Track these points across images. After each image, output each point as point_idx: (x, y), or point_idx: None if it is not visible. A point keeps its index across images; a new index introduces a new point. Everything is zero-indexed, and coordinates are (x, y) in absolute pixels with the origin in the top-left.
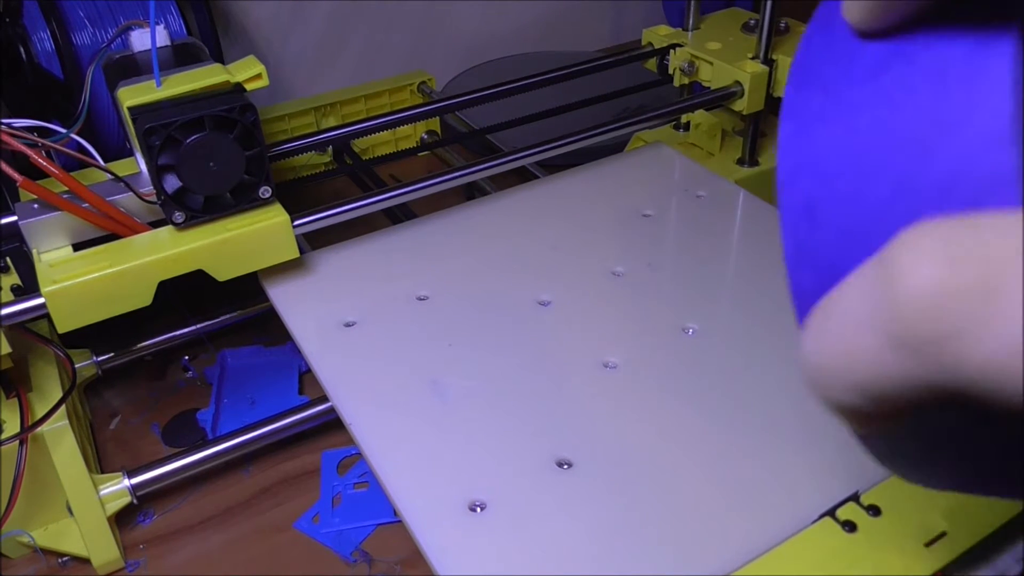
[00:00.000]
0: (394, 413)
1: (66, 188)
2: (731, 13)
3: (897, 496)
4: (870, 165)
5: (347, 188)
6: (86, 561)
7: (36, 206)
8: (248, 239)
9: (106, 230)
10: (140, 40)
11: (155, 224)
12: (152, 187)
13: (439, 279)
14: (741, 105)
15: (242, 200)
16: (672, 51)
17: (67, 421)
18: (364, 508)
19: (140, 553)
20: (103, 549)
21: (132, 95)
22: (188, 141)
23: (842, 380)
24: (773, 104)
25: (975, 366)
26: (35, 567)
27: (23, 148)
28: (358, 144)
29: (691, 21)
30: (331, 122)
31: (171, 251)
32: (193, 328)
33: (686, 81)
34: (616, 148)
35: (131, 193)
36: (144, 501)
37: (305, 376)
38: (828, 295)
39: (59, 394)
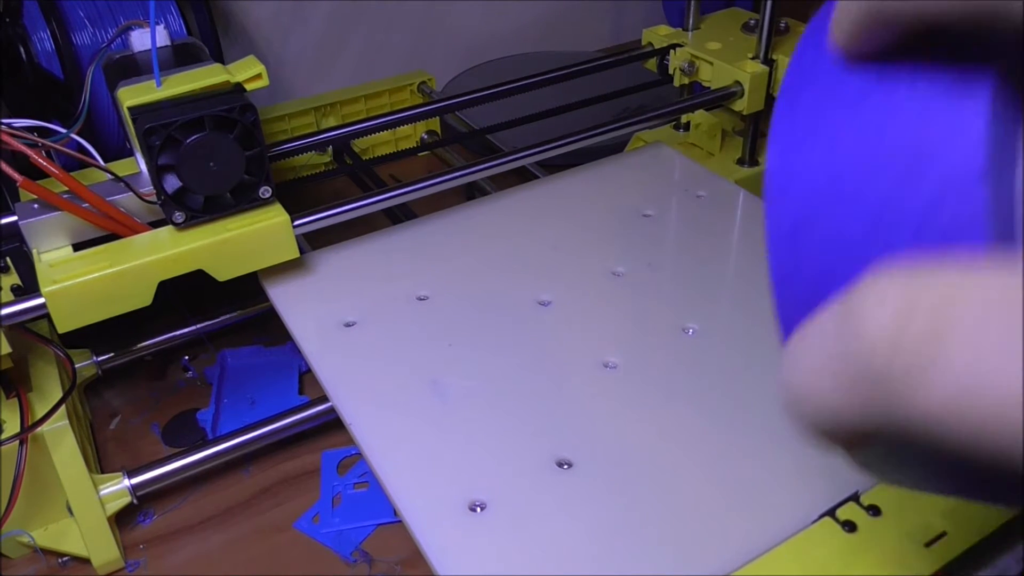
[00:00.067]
0: (394, 413)
1: (66, 188)
2: (731, 13)
3: (897, 496)
4: (850, 194)
5: (347, 188)
6: (86, 561)
7: (36, 206)
8: (248, 239)
9: (106, 230)
10: (140, 40)
11: (155, 224)
12: (152, 187)
13: (439, 279)
14: (741, 105)
15: (242, 200)
16: (672, 51)
17: (67, 421)
18: (364, 508)
19: (140, 553)
20: (103, 549)
21: (132, 95)
22: (188, 141)
23: (811, 408)
24: (773, 104)
25: (919, 411)
26: (35, 567)
27: (23, 148)
28: (358, 144)
29: (691, 21)
30: (331, 122)
31: (171, 251)
32: (193, 328)
33: (686, 81)
34: (616, 148)
35: (131, 193)
36: (144, 501)
37: (305, 376)
38: (803, 325)
39: (59, 394)
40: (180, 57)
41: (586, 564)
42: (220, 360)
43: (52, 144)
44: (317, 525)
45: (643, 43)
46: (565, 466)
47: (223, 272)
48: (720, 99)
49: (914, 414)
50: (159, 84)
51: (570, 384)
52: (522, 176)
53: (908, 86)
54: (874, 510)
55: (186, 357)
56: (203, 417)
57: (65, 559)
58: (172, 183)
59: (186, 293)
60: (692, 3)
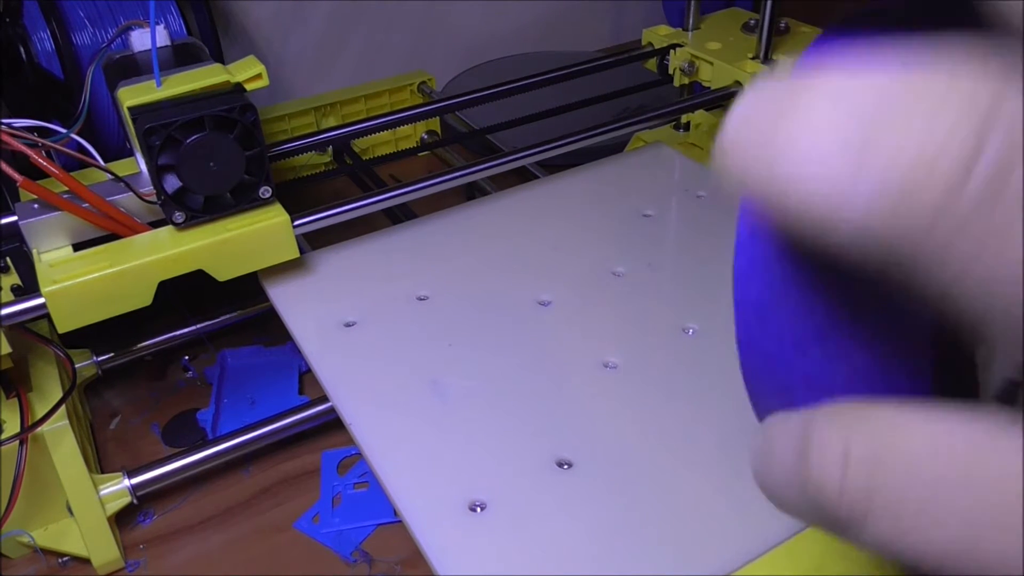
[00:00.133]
0: (394, 413)
1: (66, 188)
2: (731, 13)
3: None
4: (808, 300)
5: (347, 188)
6: (86, 561)
7: (36, 206)
8: (248, 239)
9: (106, 230)
10: (140, 40)
11: (155, 224)
12: (152, 187)
13: (439, 279)
14: None
15: (242, 200)
16: (672, 51)
17: (67, 421)
18: (364, 508)
19: (140, 553)
20: (103, 549)
21: (132, 95)
22: (188, 141)
23: (775, 501)
24: None
25: (867, 544)
26: (35, 567)
27: (23, 148)
28: (358, 144)
29: (691, 21)
30: (331, 122)
31: (171, 251)
32: (193, 328)
33: (686, 81)
34: (616, 148)
35: (131, 193)
36: (144, 501)
37: (305, 376)
38: (769, 428)
39: (59, 394)
40: (180, 57)
41: (586, 564)
42: (220, 360)
43: (52, 144)
44: (317, 525)
45: (643, 43)
46: (565, 466)
47: (223, 272)
48: (720, 99)
49: (863, 543)
50: (159, 84)
51: (570, 384)
52: (522, 176)
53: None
54: None
55: (186, 357)
56: (203, 417)
57: (65, 559)
58: (172, 183)
59: (186, 293)
60: (692, 3)
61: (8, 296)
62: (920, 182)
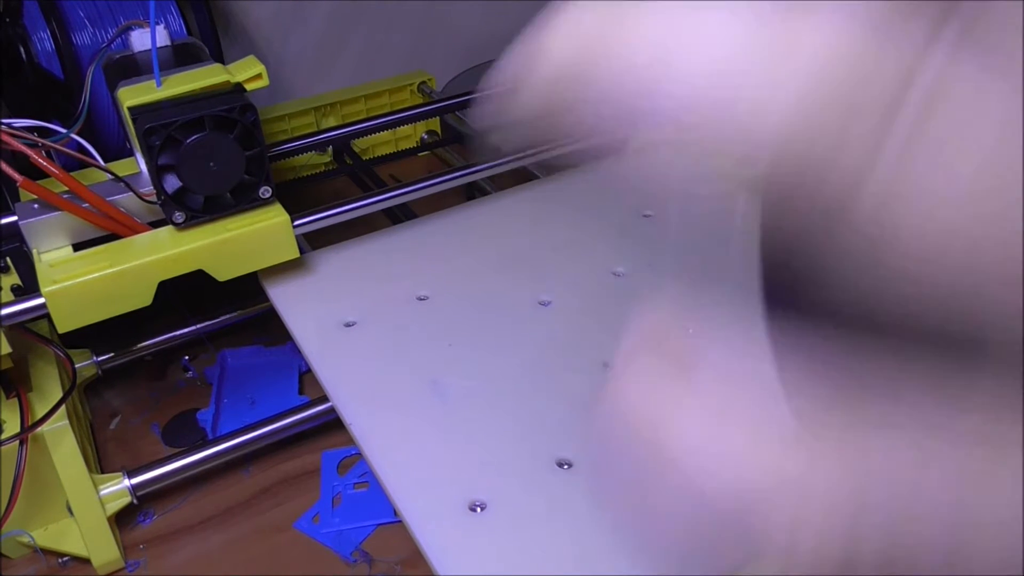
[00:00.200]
0: (394, 413)
1: (66, 188)
2: None
3: None
4: None
5: (347, 188)
6: (86, 561)
7: (36, 206)
8: (248, 239)
9: (106, 230)
10: (140, 40)
11: (155, 224)
12: (152, 187)
13: (439, 279)
14: None
15: (242, 200)
16: None
17: (67, 421)
18: (364, 508)
19: (140, 553)
20: (103, 549)
21: (132, 95)
22: (188, 141)
23: None
24: None
25: None
26: (35, 567)
27: (23, 148)
28: (358, 144)
29: None
30: (331, 122)
31: (171, 251)
32: (193, 328)
33: None
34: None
35: (131, 193)
36: (144, 501)
37: (305, 376)
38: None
39: (59, 394)
40: (180, 57)
41: (586, 564)
42: (220, 360)
43: (52, 144)
44: (317, 525)
45: None
46: (565, 466)
47: (223, 272)
48: None
49: None
50: (159, 84)
51: (570, 384)
52: (522, 176)
53: None
54: None
55: (186, 357)
56: (203, 417)
57: (65, 559)
58: (172, 183)
59: (186, 293)
60: None
61: (8, 296)
62: None
